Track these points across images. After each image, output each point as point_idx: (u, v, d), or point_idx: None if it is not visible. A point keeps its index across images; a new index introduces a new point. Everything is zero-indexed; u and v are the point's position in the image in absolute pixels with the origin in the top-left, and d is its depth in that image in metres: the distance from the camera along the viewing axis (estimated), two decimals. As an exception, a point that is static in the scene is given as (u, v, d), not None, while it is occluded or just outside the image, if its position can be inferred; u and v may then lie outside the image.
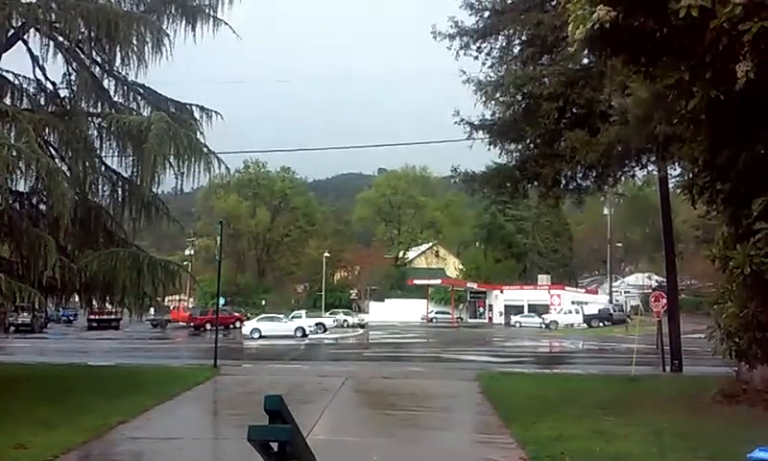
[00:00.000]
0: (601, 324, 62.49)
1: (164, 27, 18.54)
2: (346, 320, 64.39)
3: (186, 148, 17.52)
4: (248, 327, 49.37)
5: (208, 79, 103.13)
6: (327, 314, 64.86)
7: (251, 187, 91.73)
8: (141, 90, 19.47)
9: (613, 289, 75.45)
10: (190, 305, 72.23)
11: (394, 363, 28.54)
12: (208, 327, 53.59)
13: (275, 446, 2.19)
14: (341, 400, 16.16)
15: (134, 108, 19.43)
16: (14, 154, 14.53)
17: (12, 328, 47.37)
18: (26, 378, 19.24)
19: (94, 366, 23.85)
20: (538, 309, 68.98)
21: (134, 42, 17.41)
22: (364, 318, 66.80)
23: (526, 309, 70.91)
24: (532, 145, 21.70)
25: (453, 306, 75.92)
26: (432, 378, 21.48)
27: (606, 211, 69.09)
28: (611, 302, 70.35)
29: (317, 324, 52.41)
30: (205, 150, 18.21)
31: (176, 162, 17.69)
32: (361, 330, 57.93)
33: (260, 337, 45.75)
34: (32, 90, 18.63)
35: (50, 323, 56.45)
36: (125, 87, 19.38)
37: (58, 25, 17.50)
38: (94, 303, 20.56)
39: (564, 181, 22.15)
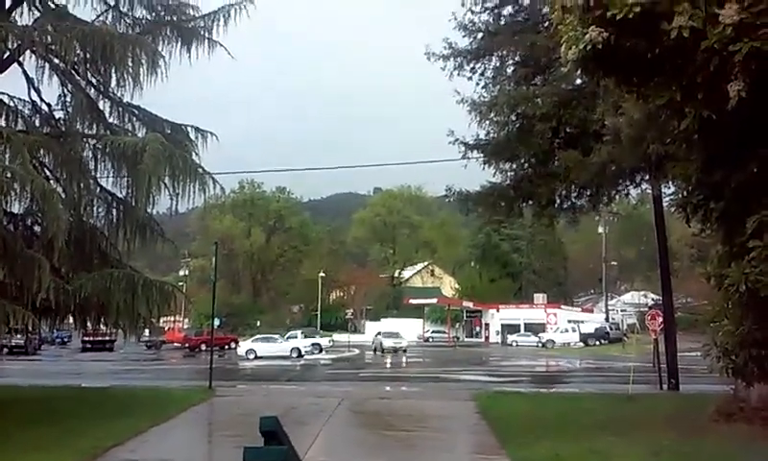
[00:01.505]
0: (597, 342, 62.41)
1: (159, 48, 18.61)
2: (381, 342, 54.35)
3: (181, 169, 17.55)
4: (243, 347, 49.12)
5: (204, 99, 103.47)
6: (381, 335, 56.90)
7: (246, 208, 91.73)
8: (136, 112, 19.51)
9: (609, 308, 75.47)
10: (185, 326, 71.91)
11: (390, 383, 28.40)
12: (203, 347, 53.37)
13: (270, 467, 2.18)
14: (337, 421, 16.07)
15: (130, 129, 19.46)
16: (9, 175, 14.53)
17: (6, 350, 47.10)
18: (19, 401, 19.10)
19: (88, 388, 23.66)
20: (534, 328, 68.94)
21: (130, 64, 17.43)
22: (401, 342, 54.14)
23: (522, 328, 70.86)
24: (526, 165, 21.80)
25: (449, 326, 75.79)
26: (429, 399, 21.38)
27: (600, 230, 69.20)
28: (607, 320, 70.32)
29: (312, 344, 52.04)
30: (200, 170, 18.24)
31: (171, 183, 17.71)
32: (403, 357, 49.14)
33: (255, 358, 45.53)
34: (27, 112, 18.63)
35: (44, 344, 56.16)
36: (120, 109, 19.43)
37: (53, 47, 17.52)
38: (88, 324, 20.44)
39: (558, 201, 22.22)
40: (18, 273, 15.83)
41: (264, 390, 24.55)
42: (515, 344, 66.25)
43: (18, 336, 44.18)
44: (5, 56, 17.51)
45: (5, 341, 45.32)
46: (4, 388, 23.07)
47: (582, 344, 62.30)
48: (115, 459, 11.40)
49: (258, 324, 73.85)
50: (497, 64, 22.42)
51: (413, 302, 77.58)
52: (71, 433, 12.96)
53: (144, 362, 45.29)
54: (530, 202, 22.50)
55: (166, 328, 64.34)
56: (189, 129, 19.87)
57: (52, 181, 17.35)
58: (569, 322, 68.27)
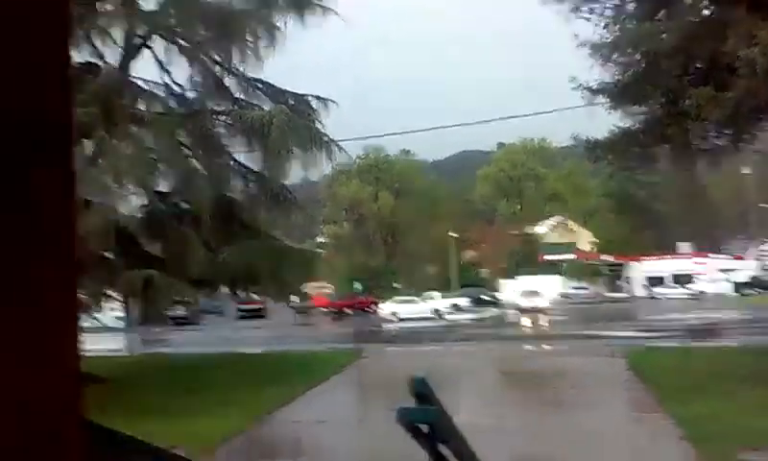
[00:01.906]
0: (754, 292, 58.09)
1: (274, 21, 18.83)
2: (520, 302, 49.24)
3: (307, 138, 17.91)
4: (385, 309, 50.28)
5: (317, 64, 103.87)
6: (520, 294, 52.51)
7: (372, 172, 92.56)
8: (260, 85, 19.97)
9: (765, 254, 70.22)
10: (328, 291, 74.31)
11: (533, 341, 27.91)
12: (348, 311, 55.11)
13: (424, 427, 2.10)
14: (482, 381, 16.10)
15: (255, 103, 19.95)
16: (153, 157, 15.38)
17: (171, 322, 50.57)
18: (187, 368, 20.36)
19: (247, 354, 24.30)
20: (681, 279, 65.46)
21: (249, 39, 17.83)
22: (541, 300, 49.35)
23: (669, 280, 67.44)
24: (656, 105, 20.45)
25: (589, 281, 73.43)
26: (576, 356, 20.88)
27: (746, 171, 64.05)
28: (765, 269, 65.25)
29: (453, 305, 52.16)
30: (326, 139, 18.52)
31: (299, 153, 18.11)
32: None
33: (399, 320, 46.17)
34: (161, 94, 19.36)
35: (204, 314, 59.44)
36: (245, 84, 19.91)
37: (178, 29, 18.19)
38: (239, 293, 21.35)
39: (695, 142, 20.73)
40: (173, 249, 16.84)
41: (409, 351, 24.90)
42: (662, 297, 63.19)
43: (181, 308, 47.70)
44: (134, 41, 18.29)
45: (169, 313, 48.69)
46: (174, 356, 24.54)
47: (736, 294, 58.43)
48: (280, 421, 12.08)
49: (398, 286, 74.85)
50: (617, 2, 21.07)
51: (548, 258, 75.86)
52: (237, 398, 13.65)
53: (294, 327, 46.85)
54: (665, 145, 21.13)
55: (313, 294, 66.77)
56: (310, 98, 20.12)
57: (191, 159, 18.19)
58: (720, 271, 64.20)
